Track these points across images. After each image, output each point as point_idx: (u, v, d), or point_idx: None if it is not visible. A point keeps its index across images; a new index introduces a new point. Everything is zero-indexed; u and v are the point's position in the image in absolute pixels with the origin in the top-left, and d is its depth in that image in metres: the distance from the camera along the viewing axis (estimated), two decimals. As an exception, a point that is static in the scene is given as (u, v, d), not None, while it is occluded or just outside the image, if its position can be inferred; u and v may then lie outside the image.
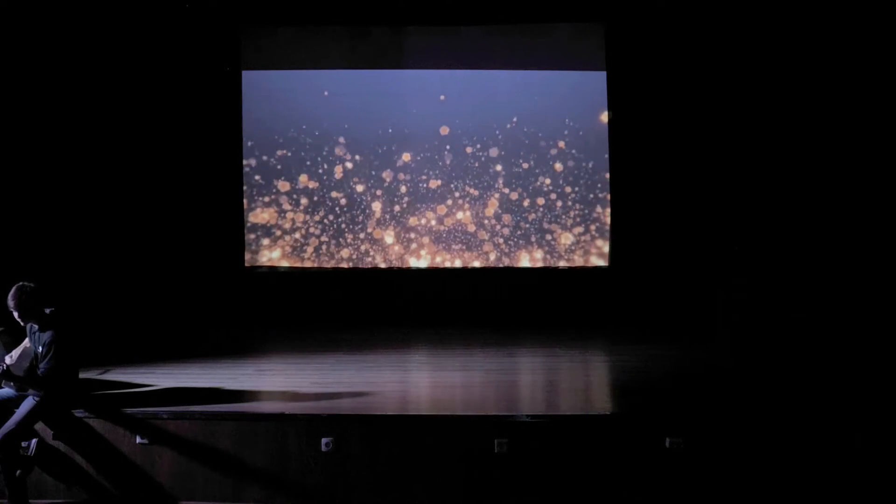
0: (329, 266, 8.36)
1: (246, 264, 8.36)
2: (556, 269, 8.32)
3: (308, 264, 8.36)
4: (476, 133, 8.31)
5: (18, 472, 4.49)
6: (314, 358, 6.52)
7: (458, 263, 8.34)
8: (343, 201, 8.36)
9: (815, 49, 7.70)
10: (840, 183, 7.71)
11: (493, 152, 8.31)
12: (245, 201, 8.34)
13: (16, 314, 4.58)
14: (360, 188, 8.34)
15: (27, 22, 7.35)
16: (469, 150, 8.32)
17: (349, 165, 8.34)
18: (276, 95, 8.33)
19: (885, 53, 7.45)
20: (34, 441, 4.64)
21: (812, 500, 4.48)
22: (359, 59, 8.33)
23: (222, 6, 8.02)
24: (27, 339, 4.76)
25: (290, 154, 8.34)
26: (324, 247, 8.36)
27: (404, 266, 8.35)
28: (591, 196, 8.28)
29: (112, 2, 7.72)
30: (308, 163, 8.35)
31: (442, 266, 8.34)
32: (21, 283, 4.57)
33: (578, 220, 8.29)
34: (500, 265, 8.33)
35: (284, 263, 8.35)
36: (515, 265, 8.33)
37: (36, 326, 4.64)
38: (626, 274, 8.19)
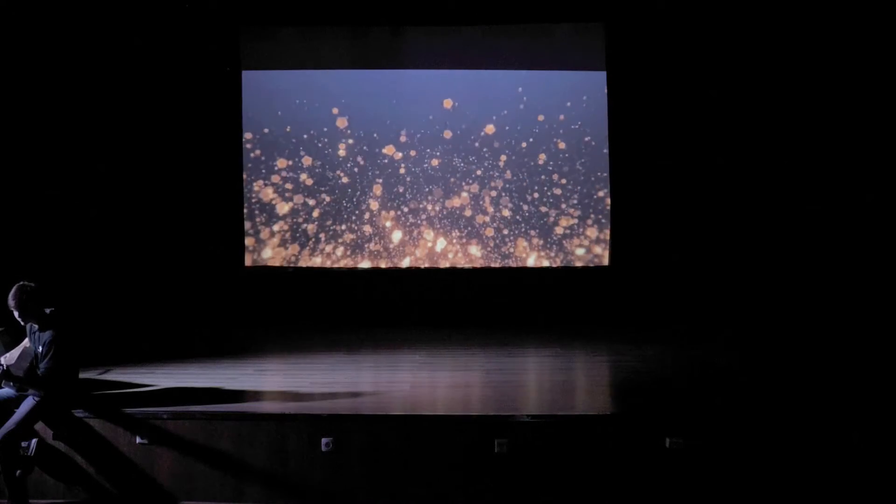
0: (328, 265, 8.36)
1: (246, 263, 8.36)
2: (556, 269, 8.32)
3: (307, 254, 8.36)
4: (476, 114, 8.31)
5: (18, 472, 4.49)
6: (314, 358, 6.52)
7: (457, 249, 8.33)
8: (344, 180, 8.35)
9: (814, 46, 7.71)
10: (841, 180, 7.72)
11: (491, 130, 8.31)
12: (245, 202, 8.33)
13: (16, 314, 4.58)
14: (358, 171, 8.35)
15: (28, 22, 7.36)
16: (469, 132, 8.32)
17: (350, 142, 8.33)
18: (276, 95, 8.33)
19: (885, 54, 7.46)
20: (34, 441, 4.64)
21: (811, 498, 4.48)
22: (359, 60, 8.34)
23: (222, 6, 8.03)
24: (27, 339, 4.76)
25: (288, 147, 8.35)
26: (322, 235, 8.37)
27: (403, 258, 8.36)
28: (593, 178, 8.29)
29: (112, 2, 7.73)
30: (307, 150, 8.35)
31: (442, 256, 8.34)
32: (21, 283, 4.58)
33: (577, 203, 8.29)
34: (500, 253, 8.33)
35: (284, 252, 8.36)
36: (515, 255, 8.33)
37: (36, 326, 4.64)
38: (626, 274, 8.19)
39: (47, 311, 4.63)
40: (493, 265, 8.34)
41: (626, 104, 8.17)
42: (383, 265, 8.38)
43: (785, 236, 7.87)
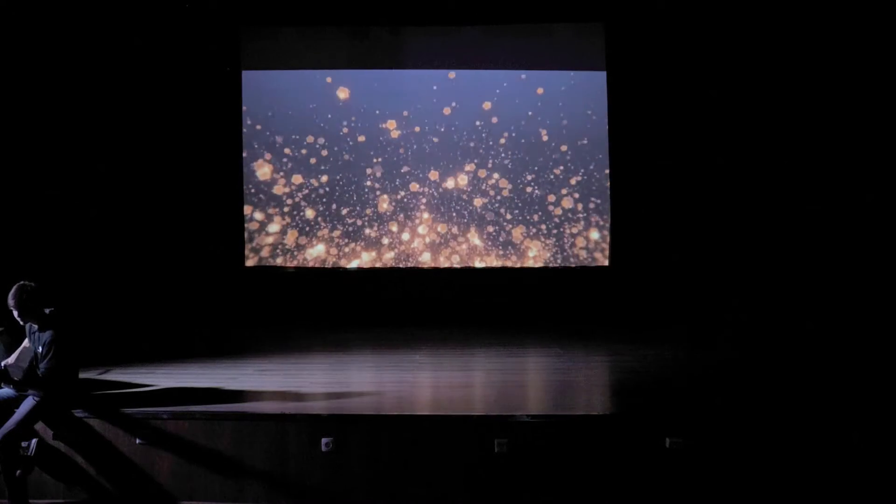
0: (328, 251, 8.38)
1: (246, 253, 8.38)
2: (556, 269, 8.33)
3: (303, 241, 8.38)
4: (476, 92, 8.36)
5: (18, 472, 4.49)
6: (314, 358, 6.52)
7: (456, 233, 8.36)
8: (345, 159, 8.38)
9: (814, 46, 7.71)
10: (841, 180, 7.72)
11: (492, 114, 8.34)
12: (244, 200, 8.36)
13: (16, 314, 4.58)
14: (358, 152, 8.39)
15: (28, 22, 7.36)
16: (469, 111, 8.38)
17: (353, 118, 8.39)
18: (276, 95, 8.35)
19: (885, 54, 7.46)
20: (34, 441, 4.64)
21: (811, 498, 4.48)
22: (359, 59, 8.36)
23: (222, 6, 8.03)
24: (27, 339, 4.76)
25: (289, 137, 8.38)
26: (321, 219, 8.38)
27: (402, 243, 8.39)
28: (600, 155, 8.33)
29: (112, 2, 7.73)
30: (305, 142, 8.39)
31: (442, 240, 8.37)
32: (21, 283, 4.57)
33: (577, 186, 8.33)
34: (500, 242, 8.34)
35: (284, 238, 8.37)
36: (513, 241, 8.35)
37: (36, 326, 4.64)
38: (626, 273, 8.20)
39: (47, 311, 4.63)
40: (492, 255, 8.38)
41: (626, 104, 8.18)
42: (384, 252, 8.39)
43: (785, 236, 7.87)
